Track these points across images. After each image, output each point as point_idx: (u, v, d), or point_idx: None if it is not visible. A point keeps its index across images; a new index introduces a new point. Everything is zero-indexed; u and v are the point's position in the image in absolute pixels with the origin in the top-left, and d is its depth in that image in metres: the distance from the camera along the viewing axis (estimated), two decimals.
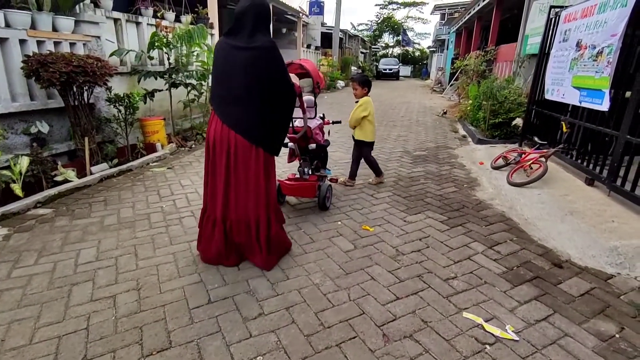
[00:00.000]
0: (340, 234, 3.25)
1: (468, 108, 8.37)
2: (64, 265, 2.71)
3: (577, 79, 4.62)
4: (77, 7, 5.21)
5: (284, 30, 17.68)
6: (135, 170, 5.03)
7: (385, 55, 44.53)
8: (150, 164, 5.37)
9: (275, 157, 2.72)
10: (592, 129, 4.28)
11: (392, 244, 3.08)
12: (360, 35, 35.66)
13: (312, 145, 3.56)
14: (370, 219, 3.59)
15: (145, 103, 6.11)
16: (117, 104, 5.08)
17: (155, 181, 4.59)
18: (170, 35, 6.02)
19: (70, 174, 4.36)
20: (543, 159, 4.51)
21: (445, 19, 25.13)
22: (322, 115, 3.97)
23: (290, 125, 3.33)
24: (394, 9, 46.10)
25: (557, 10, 5.53)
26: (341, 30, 24.10)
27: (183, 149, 6.28)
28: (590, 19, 4.42)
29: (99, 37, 5.48)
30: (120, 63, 6.08)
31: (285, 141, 3.08)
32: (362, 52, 33.31)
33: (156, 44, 5.80)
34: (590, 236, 3.09)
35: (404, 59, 45.25)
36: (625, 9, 3.72)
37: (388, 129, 8.31)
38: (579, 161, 4.56)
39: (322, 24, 20.36)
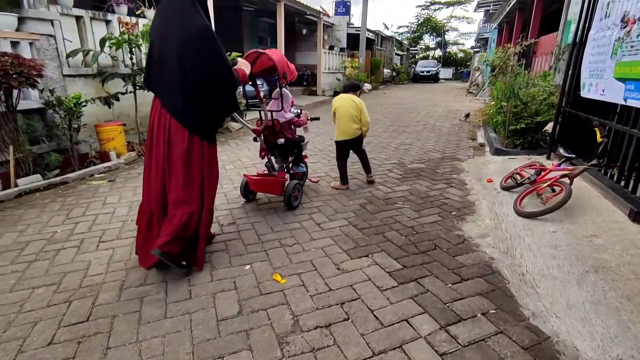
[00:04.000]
0: (234, 287, 2.30)
1: (490, 111, 6.99)
2: None
3: (622, 67, 3.30)
4: (24, 2, 4.76)
5: (305, 32, 16.95)
6: (72, 183, 4.42)
7: (425, 58, 42.48)
8: (96, 175, 4.76)
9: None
10: None
11: (295, 311, 2.07)
12: (396, 37, 34.17)
13: (281, 140, 3.47)
14: (295, 261, 2.59)
15: (110, 107, 5.59)
16: (55, 109, 4.53)
17: (80, 197, 3.93)
18: (134, 33, 5.43)
19: None
20: (566, 180, 3.23)
21: (488, 16, 23.08)
22: (299, 111, 3.80)
23: (259, 117, 3.41)
24: (435, 9, 43.95)
25: None
26: (373, 32, 22.98)
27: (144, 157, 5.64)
28: None
29: (51, 36, 5.00)
30: (85, 65, 5.60)
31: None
32: (397, 54, 31.79)
33: (109, 43, 5.21)
34: (620, 319, 1.88)
35: (446, 60, 42.89)
36: None
37: (393, 136, 7.15)
38: (622, 184, 3.22)
39: (349, 25, 19.37)
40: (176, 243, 2.31)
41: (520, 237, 2.87)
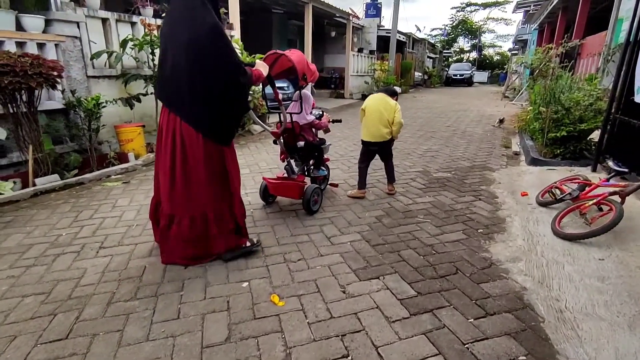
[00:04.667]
0: (227, 307, 2.10)
1: (528, 116, 6.45)
2: None
3: None
4: (52, 5, 4.85)
5: (334, 34, 16.72)
6: (88, 184, 4.41)
7: (459, 61, 41.14)
8: (113, 176, 4.75)
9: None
10: None
11: (288, 341, 1.83)
12: (429, 39, 33.28)
13: (300, 143, 3.39)
14: (297, 280, 2.35)
15: (131, 108, 5.62)
16: (75, 110, 4.56)
17: (92, 199, 3.90)
18: (154, 34, 5.42)
19: (6, 186, 3.88)
20: (616, 198, 2.79)
21: (527, 17, 21.91)
22: (320, 112, 3.72)
23: (279, 120, 3.35)
24: (472, 11, 42.49)
25: None
26: (404, 34, 22.45)
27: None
28: None
29: (76, 38, 5.08)
30: (109, 66, 5.66)
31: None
32: (429, 57, 30.90)
33: (131, 45, 5.22)
34: None
35: (481, 63, 41.33)
36: None
37: (419, 142, 6.77)
38: None
39: (380, 27, 18.98)
40: (222, 241, 2.54)
41: (559, 263, 2.48)
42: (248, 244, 2.66)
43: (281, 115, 3.29)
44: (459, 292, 2.20)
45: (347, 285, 2.29)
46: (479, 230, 3.06)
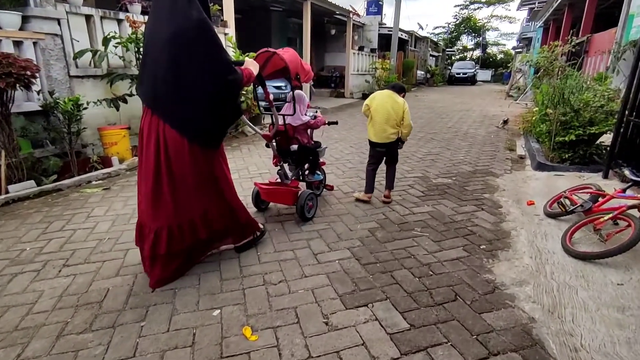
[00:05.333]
0: (192, 342, 1.83)
1: (533, 118, 6.15)
2: None
3: None
4: (31, 1, 4.59)
5: (334, 32, 16.39)
6: (66, 190, 4.16)
7: (462, 59, 40.66)
8: (94, 182, 4.50)
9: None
10: None
11: None
12: (432, 38, 32.86)
13: (294, 147, 3.24)
14: (275, 308, 2.09)
15: (118, 109, 5.36)
16: (53, 111, 4.31)
17: (67, 207, 3.65)
18: (140, 31, 5.16)
19: None
20: (635, 213, 2.50)
21: (532, 14, 21.50)
22: (314, 112, 3.53)
23: (271, 122, 3.16)
24: (475, 9, 41.97)
25: None
26: (407, 32, 22.09)
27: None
28: None
29: (57, 35, 4.82)
30: (95, 65, 5.40)
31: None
32: (432, 56, 30.49)
33: (114, 43, 4.96)
34: None
35: (485, 62, 40.84)
36: None
37: (419, 144, 6.48)
38: None
39: (381, 25, 18.63)
40: (228, 237, 2.60)
41: (572, 288, 2.20)
42: (251, 237, 2.73)
43: (272, 117, 3.12)
44: (458, 325, 1.93)
45: (330, 315, 2.02)
46: (481, 247, 2.78)
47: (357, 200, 3.72)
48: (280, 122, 3.16)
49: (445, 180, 4.47)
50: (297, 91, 3.24)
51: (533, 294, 2.18)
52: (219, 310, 2.07)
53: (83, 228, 3.18)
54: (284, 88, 9.32)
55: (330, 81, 16.21)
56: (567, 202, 3.13)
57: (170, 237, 2.26)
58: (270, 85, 9.49)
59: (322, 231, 3.07)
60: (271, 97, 2.95)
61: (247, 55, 6.06)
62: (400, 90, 3.60)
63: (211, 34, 2.14)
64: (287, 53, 2.93)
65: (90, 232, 3.11)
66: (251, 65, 2.48)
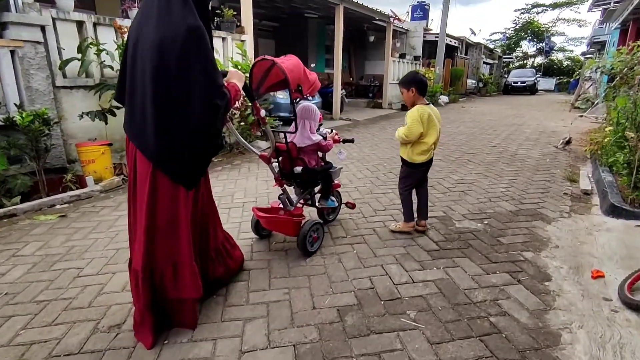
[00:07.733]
0: None
1: (606, 139, 4.73)
2: None
3: None
4: (12, 6, 4.27)
5: (372, 39, 15.41)
6: (22, 216, 3.68)
7: (522, 66, 37.45)
8: (58, 205, 4.00)
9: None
10: None
11: None
12: (487, 44, 30.55)
13: (297, 169, 2.85)
14: None
15: (106, 123, 4.92)
16: (15, 126, 3.88)
17: (6, 239, 3.12)
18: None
19: None
20: None
21: (606, 15, 18.92)
22: (325, 133, 3.00)
23: (283, 138, 2.84)
24: (538, 13, 38.59)
25: None
26: (456, 38, 20.50)
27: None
28: None
29: (38, 43, 4.46)
30: (86, 75, 5.01)
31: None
32: (486, 63, 28.24)
33: (95, 50, 4.50)
34: None
35: (548, 69, 37.27)
36: None
37: (451, 168, 5.30)
38: None
39: (427, 31, 17.31)
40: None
41: None
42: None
43: (280, 134, 2.80)
44: None
45: None
46: None
47: (399, 232, 3.13)
48: (282, 140, 2.79)
49: (473, 224, 3.34)
50: (304, 104, 2.85)
51: None
52: None
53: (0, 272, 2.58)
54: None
55: (369, 91, 15.33)
56: None
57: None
58: (281, 98, 8.83)
59: (272, 307, 2.16)
60: (262, 113, 2.56)
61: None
62: (410, 83, 2.88)
63: (203, 44, 1.80)
64: (288, 61, 2.53)
65: (5, 275, 2.49)
66: (235, 77, 2.07)
